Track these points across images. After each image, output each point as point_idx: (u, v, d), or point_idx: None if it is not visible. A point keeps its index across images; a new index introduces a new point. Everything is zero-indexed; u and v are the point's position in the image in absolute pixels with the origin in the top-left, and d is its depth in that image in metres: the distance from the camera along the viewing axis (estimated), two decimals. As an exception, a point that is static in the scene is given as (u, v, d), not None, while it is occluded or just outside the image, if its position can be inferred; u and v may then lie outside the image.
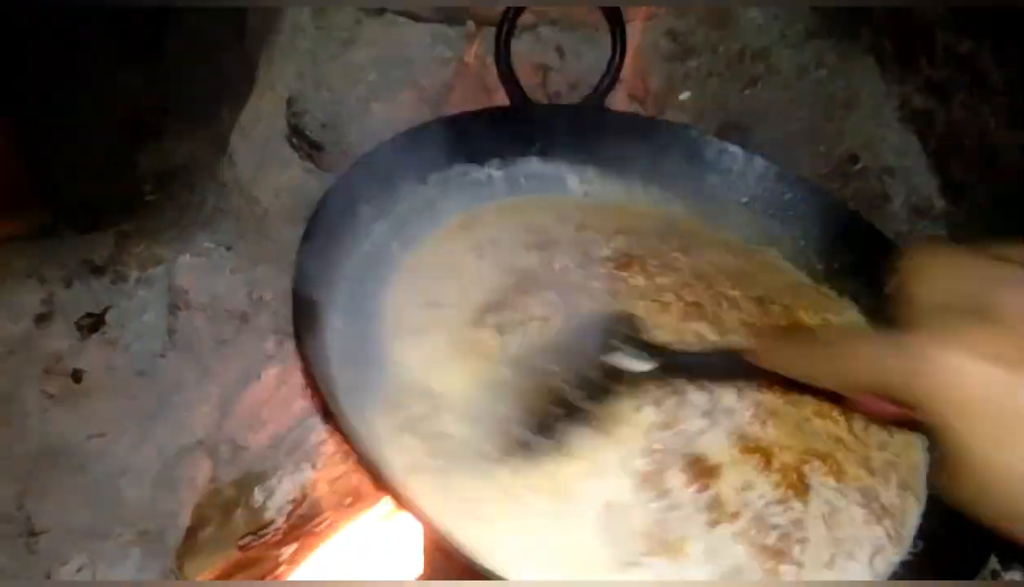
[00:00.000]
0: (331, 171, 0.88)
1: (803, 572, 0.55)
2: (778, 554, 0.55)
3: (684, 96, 0.92)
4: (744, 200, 0.82)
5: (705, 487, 0.57)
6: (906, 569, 0.57)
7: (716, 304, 0.71)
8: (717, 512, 0.56)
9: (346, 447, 0.53)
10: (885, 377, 0.41)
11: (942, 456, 0.40)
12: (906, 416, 0.41)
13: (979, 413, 0.38)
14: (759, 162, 0.81)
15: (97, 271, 1.05)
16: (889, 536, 0.58)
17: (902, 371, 0.40)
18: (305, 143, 0.88)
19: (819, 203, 0.79)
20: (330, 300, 0.64)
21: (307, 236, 0.61)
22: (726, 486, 0.58)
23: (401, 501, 0.50)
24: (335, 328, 0.63)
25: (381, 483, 0.50)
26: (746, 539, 0.56)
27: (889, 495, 0.61)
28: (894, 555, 0.57)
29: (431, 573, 0.53)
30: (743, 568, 0.54)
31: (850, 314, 0.75)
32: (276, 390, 0.94)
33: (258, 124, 0.95)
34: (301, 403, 0.94)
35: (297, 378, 0.95)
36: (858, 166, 0.86)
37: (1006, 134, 0.76)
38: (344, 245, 0.68)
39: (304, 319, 0.58)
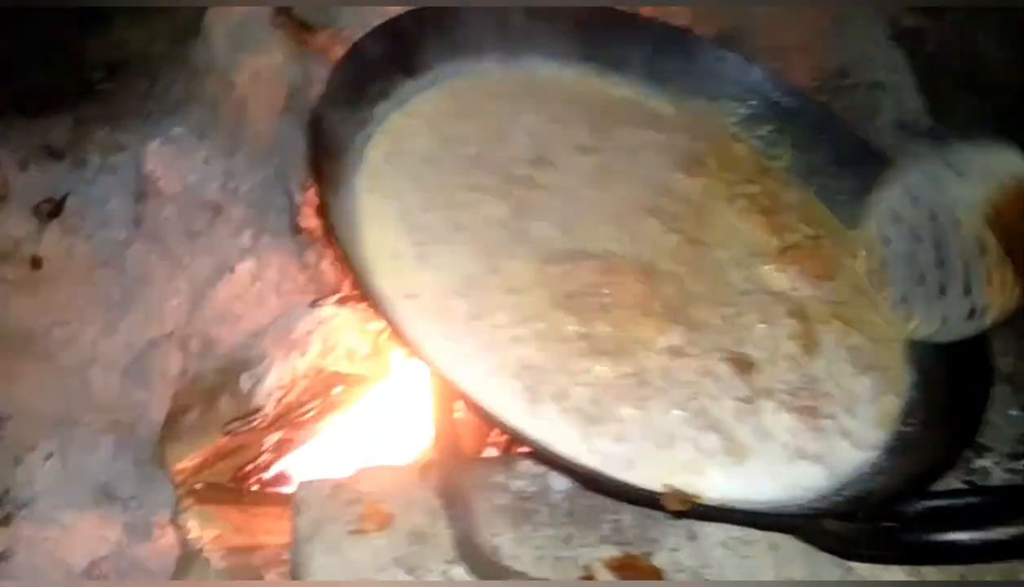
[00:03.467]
0: (322, 53, 0.84)
1: (839, 424, 0.56)
2: (813, 412, 0.57)
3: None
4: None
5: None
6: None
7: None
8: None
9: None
10: None
11: None
12: None
13: None
14: (757, 70, 0.81)
15: (55, 155, 0.98)
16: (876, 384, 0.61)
17: None
18: (293, 23, 0.84)
19: (813, 113, 0.80)
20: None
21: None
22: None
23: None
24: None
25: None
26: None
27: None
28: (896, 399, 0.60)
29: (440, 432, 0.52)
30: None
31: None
32: (251, 285, 0.91)
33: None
34: (276, 299, 0.92)
35: (272, 273, 0.93)
36: (848, 81, 0.87)
37: (995, 52, 0.77)
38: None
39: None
